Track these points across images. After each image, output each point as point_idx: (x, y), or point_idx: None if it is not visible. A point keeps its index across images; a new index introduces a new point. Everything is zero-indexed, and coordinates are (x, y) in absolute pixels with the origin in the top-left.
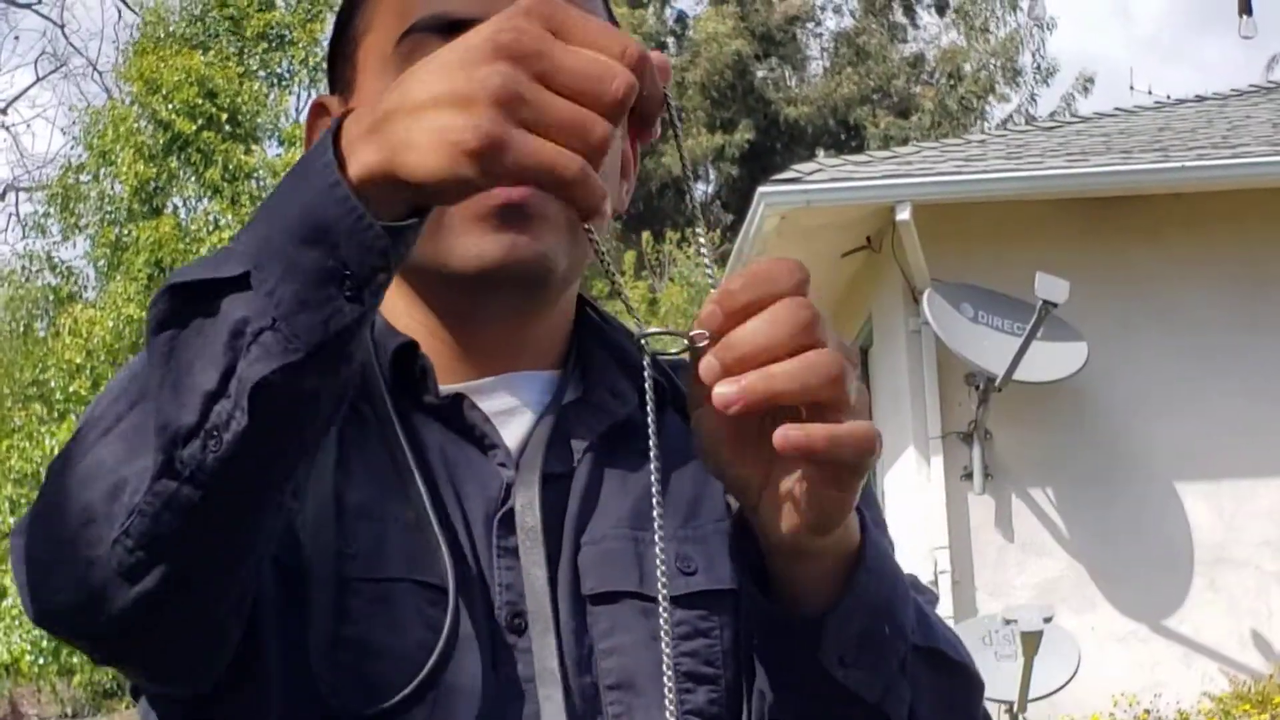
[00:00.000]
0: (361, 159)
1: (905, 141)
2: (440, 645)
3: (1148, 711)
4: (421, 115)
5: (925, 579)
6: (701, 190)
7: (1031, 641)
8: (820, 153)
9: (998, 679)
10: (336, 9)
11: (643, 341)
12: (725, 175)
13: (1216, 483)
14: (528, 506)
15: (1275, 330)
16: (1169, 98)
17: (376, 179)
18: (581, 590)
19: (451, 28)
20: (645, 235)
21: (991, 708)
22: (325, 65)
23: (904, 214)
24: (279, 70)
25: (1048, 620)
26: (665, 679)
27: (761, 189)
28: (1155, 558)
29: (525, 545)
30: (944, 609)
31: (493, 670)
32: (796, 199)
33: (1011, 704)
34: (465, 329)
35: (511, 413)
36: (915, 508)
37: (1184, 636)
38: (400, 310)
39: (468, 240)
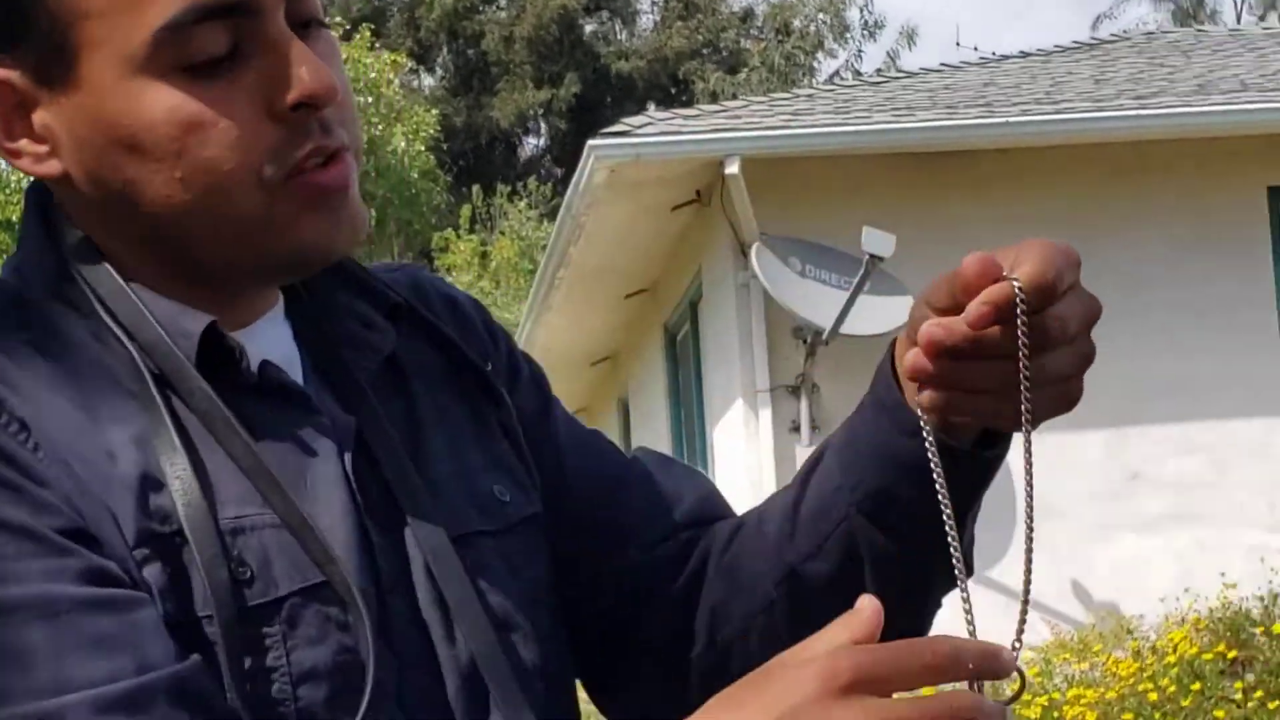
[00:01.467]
0: None
1: (734, 96)
2: (372, 653)
3: None
4: None
5: None
6: (532, 144)
7: None
8: (650, 106)
9: None
10: None
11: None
12: (554, 129)
13: (1038, 435)
14: (367, 468)
15: (1095, 285)
16: (994, 54)
17: None
18: (444, 539)
19: (230, 10)
20: (475, 189)
21: None
22: None
23: (733, 168)
24: None
25: None
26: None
27: (591, 142)
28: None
29: (380, 509)
30: None
31: (393, 647)
32: (626, 152)
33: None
34: (226, 289)
35: (290, 364)
36: (743, 459)
37: (1005, 587)
38: (120, 257)
39: (279, 226)
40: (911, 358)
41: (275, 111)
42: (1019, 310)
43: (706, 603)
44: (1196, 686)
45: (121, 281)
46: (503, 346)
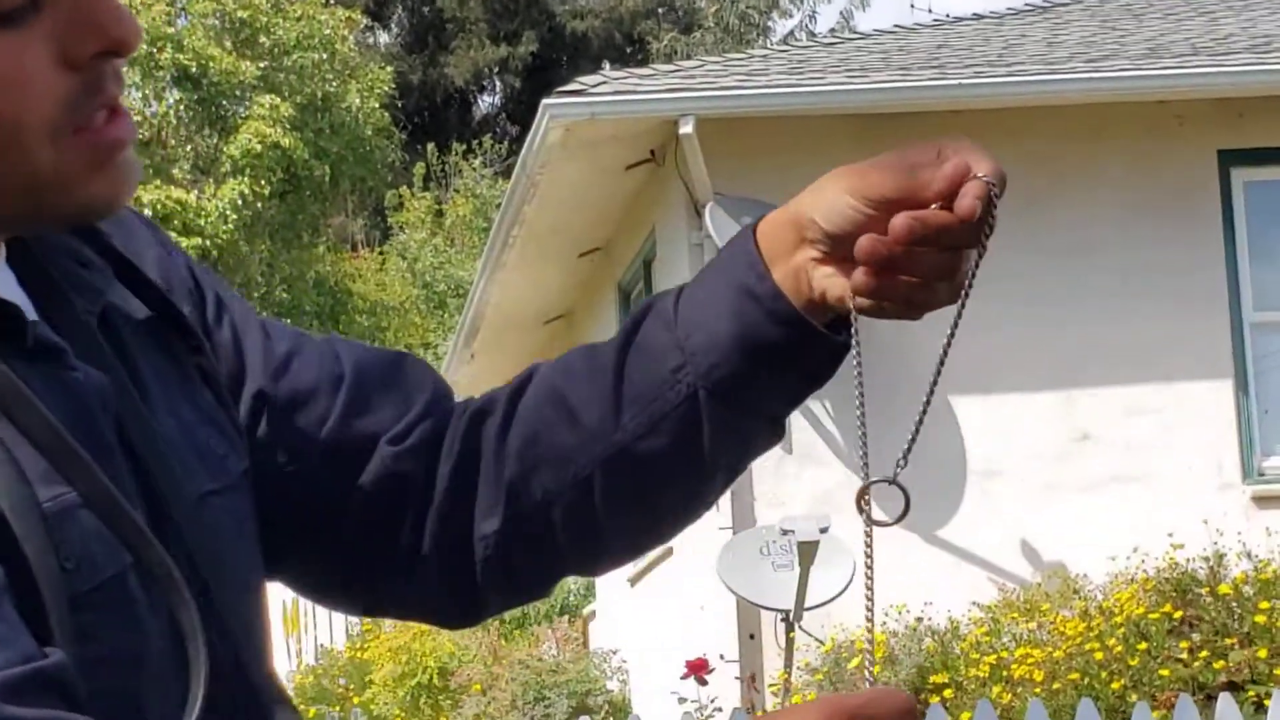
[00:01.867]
0: None
1: (689, 56)
2: (201, 638)
3: (919, 619)
4: None
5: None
6: (487, 101)
7: (808, 551)
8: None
9: (775, 588)
10: None
11: None
12: (509, 88)
13: (988, 396)
14: (127, 424)
15: (1046, 247)
16: (948, 16)
17: None
18: (195, 503)
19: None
20: (430, 147)
21: (768, 617)
22: None
23: (687, 127)
24: None
25: (824, 531)
26: None
27: (546, 101)
28: (929, 470)
29: (130, 470)
30: (723, 519)
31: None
32: (581, 111)
33: (788, 613)
34: None
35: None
36: None
37: (956, 547)
38: None
39: (77, 182)
40: (870, 242)
41: (72, 59)
42: (994, 206)
43: (491, 484)
44: (1143, 646)
45: None
46: (209, 293)
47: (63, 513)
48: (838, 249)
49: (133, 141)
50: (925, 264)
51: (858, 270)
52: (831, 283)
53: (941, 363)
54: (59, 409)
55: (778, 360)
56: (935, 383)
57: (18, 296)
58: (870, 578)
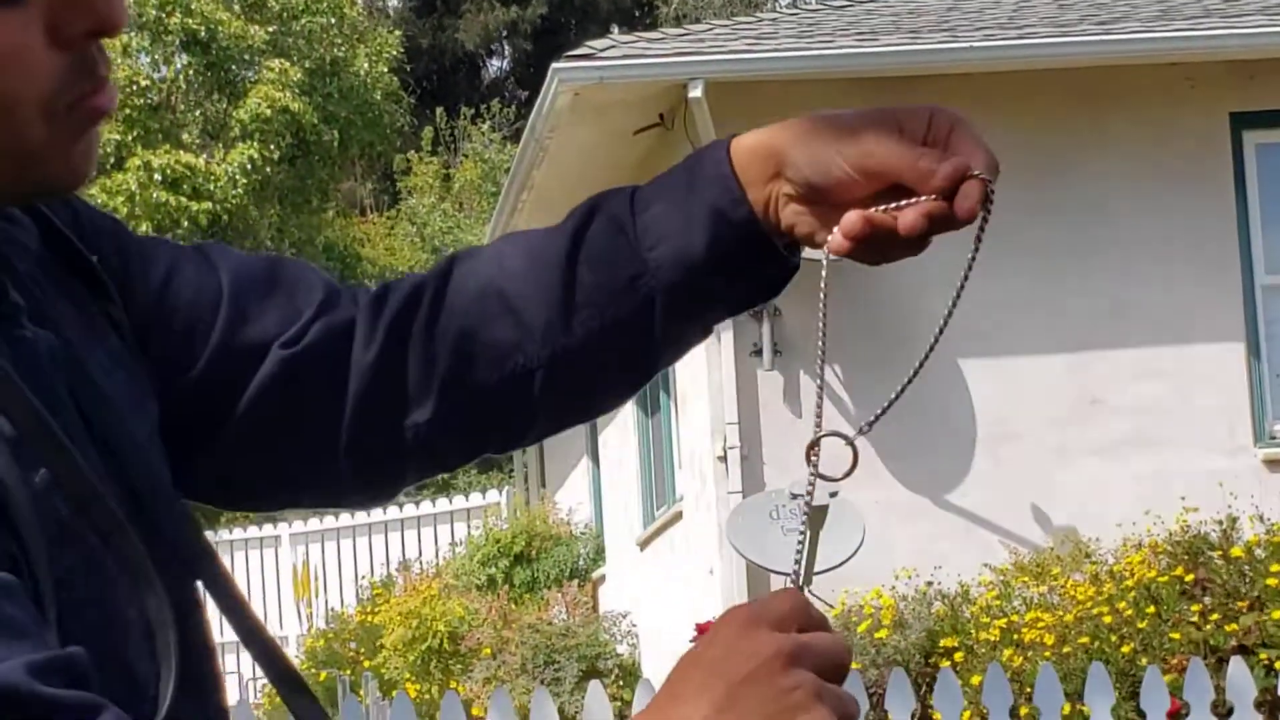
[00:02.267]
0: None
1: (698, 20)
2: (172, 622)
3: (929, 583)
4: None
5: (715, 454)
6: (496, 66)
7: (818, 516)
8: (614, 29)
9: (784, 552)
10: None
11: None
12: (519, 51)
13: (999, 360)
14: (74, 382)
15: (1058, 211)
16: None
17: None
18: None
19: None
20: (439, 111)
21: (777, 580)
22: None
23: (696, 91)
24: None
25: (833, 495)
26: None
27: (555, 65)
28: (939, 434)
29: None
30: (732, 484)
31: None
32: (590, 75)
33: (793, 576)
34: None
35: None
36: (705, 383)
37: (966, 510)
38: None
39: (62, 157)
40: (863, 223)
41: (64, 38)
42: (991, 203)
43: (420, 375)
44: (1153, 610)
45: None
46: (108, 237)
47: (42, 495)
48: (812, 194)
49: (111, 114)
50: (902, 244)
51: (838, 232)
52: (800, 219)
53: (932, 347)
54: (19, 372)
55: (737, 277)
56: (920, 365)
57: None
58: (806, 528)
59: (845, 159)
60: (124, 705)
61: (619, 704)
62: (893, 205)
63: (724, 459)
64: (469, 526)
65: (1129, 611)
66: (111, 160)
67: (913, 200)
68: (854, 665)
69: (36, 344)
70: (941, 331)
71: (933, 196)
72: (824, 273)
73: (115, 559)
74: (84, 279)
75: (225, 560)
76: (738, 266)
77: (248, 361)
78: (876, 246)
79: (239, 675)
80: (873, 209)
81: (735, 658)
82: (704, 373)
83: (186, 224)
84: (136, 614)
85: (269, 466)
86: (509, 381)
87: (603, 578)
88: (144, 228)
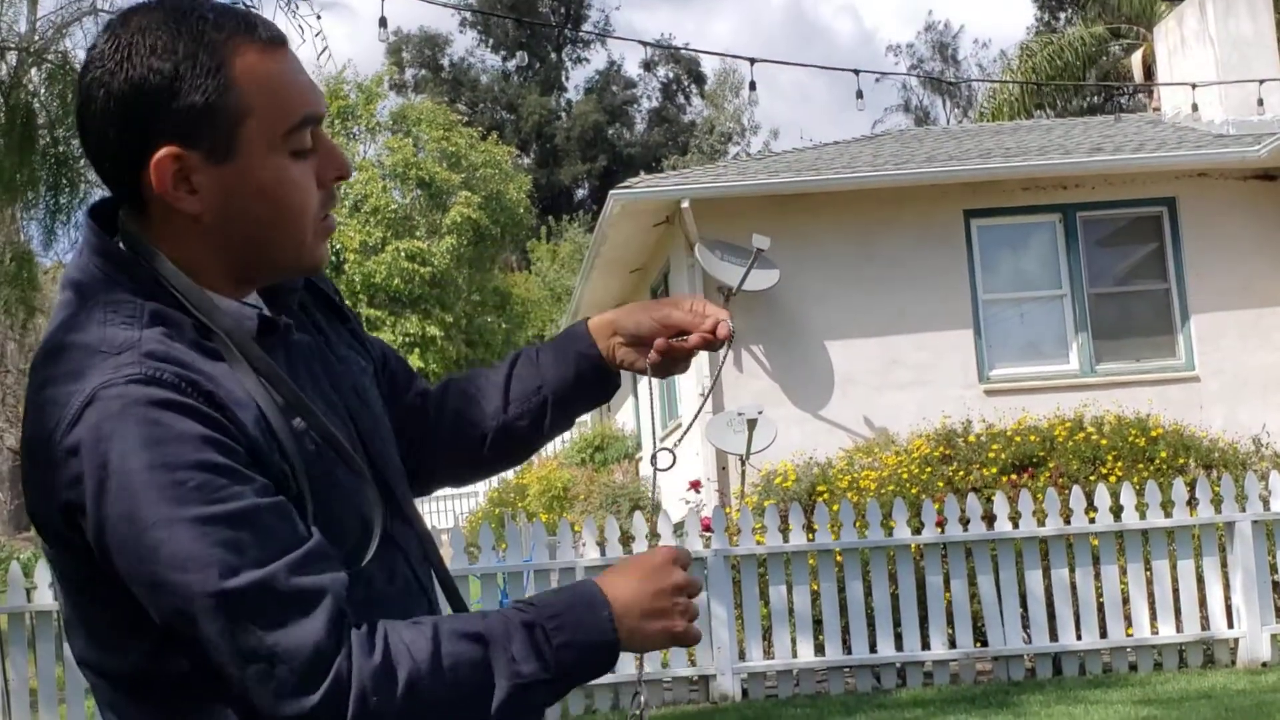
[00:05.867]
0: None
1: (686, 166)
2: (378, 513)
3: (810, 459)
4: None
5: (698, 392)
6: (580, 192)
7: (752, 423)
8: (641, 172)
9: (735, 442)
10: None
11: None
12: (592, 186)
13: (847, 340)
14: (327, 366)
15: (871, 260)
16: (820, 143)
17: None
18: (379, 418)
19: (315, 120)
20: (550, 218)
21: (732, 459)
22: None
23: (686, 204)
24: None
25: (760, 413)
26: None
27: (612, 192)
28: (814, 380)
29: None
30: (710, 407)
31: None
32: (630, 196)
33: (741, 456)
34: (253, 283)
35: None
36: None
37: (829, 420)
38: (203, 267)
39: (317, 251)
40: (666, 346)
41: (321, 181)
42: (730, 340)
43: (443, 429)
44: (928, 470)
45: (200, 289)
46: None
47: (303, 433)
48: (633, 340)
49: (334, 231)
50: (684, 358)
51: (652, 352)
52: (626, 353)
53: (708, 393)
54: (291, 363)
55: (589, 389)
56: (698, 412)
57: (259, 303)
58: (656, 501)
59: (653, 319)
60: (352, 552)
61: (650, 526)
62: (681, 338)
63: (703, 394)
64: (571, 432)
65: (915, 470)
66: (378, 246)
67: (688, 336)
68: (770, 501)
69: (302, 344)
70: (709, 392)
71: (704, 332)
72: (649, 379)
73: (346, 470)
74: (330, 308)
75: None
76: (588, 384)
77: (400, 397)
78: (668, 365)
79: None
80: (669, 340)
81: (659, 571)
82: (694, 362)
83: (417, 280)
84: (360, 500)
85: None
86: (474, 439)
87: (640, 457)
88: (395, 281)
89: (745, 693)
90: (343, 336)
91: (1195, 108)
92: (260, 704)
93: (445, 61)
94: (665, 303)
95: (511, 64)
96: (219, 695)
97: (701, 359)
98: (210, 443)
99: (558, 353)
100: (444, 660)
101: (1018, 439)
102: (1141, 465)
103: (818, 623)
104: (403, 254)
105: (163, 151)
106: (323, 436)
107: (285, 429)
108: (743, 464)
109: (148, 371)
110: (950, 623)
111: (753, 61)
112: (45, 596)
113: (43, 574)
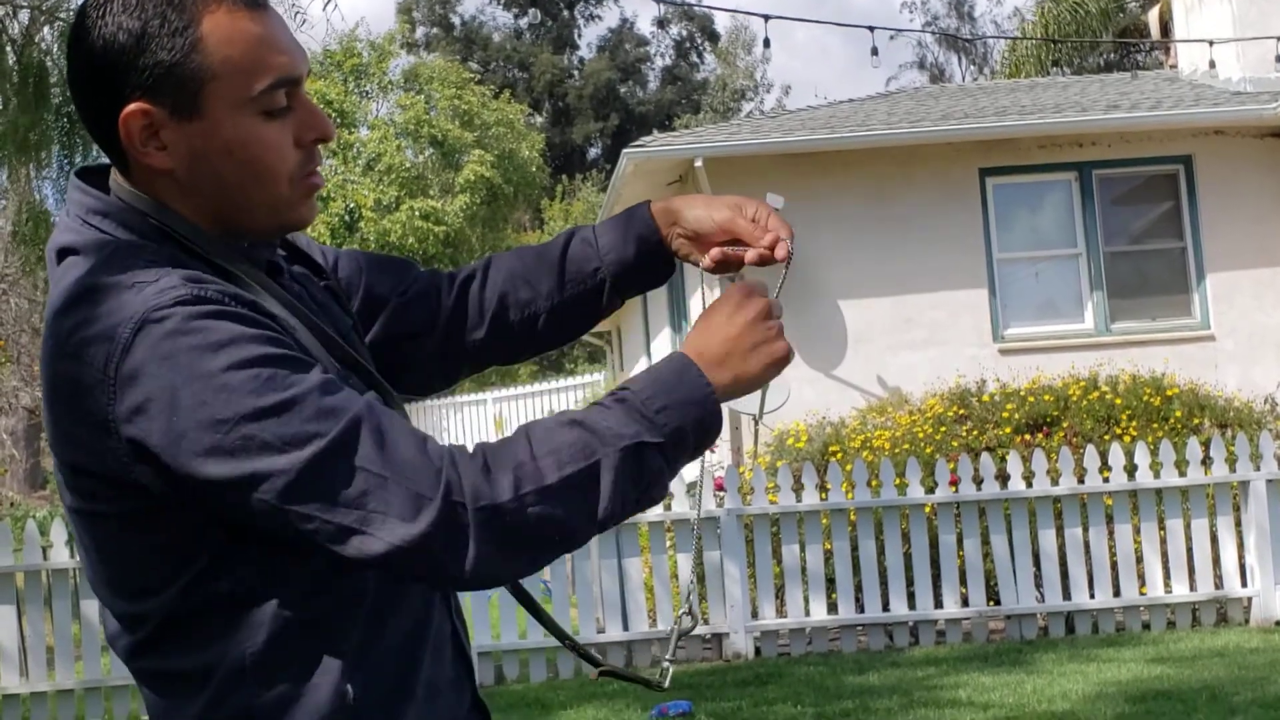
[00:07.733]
0: (724, 385)
1: (699, 124)
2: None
3: (823, 418)
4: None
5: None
6: (593, 151)
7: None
8: (654, 130)
9: (748, 402)
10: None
11: None
12: (605, 144)
13: (862, 300)
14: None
15: (889, 219)
16: (837, 101)
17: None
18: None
19: (291, 82)
20: (564, 177)
21: (745, 418)
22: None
23: (699, 163)
24: None
25: None
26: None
27: (625, 150)
28: (828, 339)
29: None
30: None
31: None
32: (643, 154)
33: (754, 415)
34: (238, 237)
35: None
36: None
37: (842, 379)
38: (193, 219)
39: (300, 208)
40: (722, 255)
41: (300, 141)
42: (792, 255)
43: (476, 314)
44: (942, 429)
45: (206, 233)
46: (329, 257)
47: (323, 353)
48: (693, 236)
49: (321, 188)
50: (738, 267)
51: (707, 259)
52: (681, 244)
53: (777, 290)
54: (310, 303)
55: (646, 272)
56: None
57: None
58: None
59: (715, 222)
60: None
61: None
62: (737, 248)
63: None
64: (586, 391)
65: (929, 429)
66: (393, 205)
67: (746, 248)
68: (782, 462)
69: (292, 291)
70: (780, 287)
71: (763, 248)
72: (701, 274)
73: (360, 380)
74: (309, 265)
75: (454, 415)
76: (647, 267)
77: (376, 306)
78: (722, 268)
79: None
80: (724, 248)
81: (740, 309)
82: (701, 305)
83: (431, 239)
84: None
85: (405, 365)
86: (528, 319)
87: None
88: (410, 240)
89: (758, 651)
90: (322, 291)
91: (1212, 64)
92: (370, 552)
93: (457, 20)
94: (730, 203)
95: (523, 22)
96: (256, 605)
97: None
98: (269, 340)
99: (617, 233)
100: (545, 447)
101: (1032, 398)
102: (1156, 424)
103: (830, 581)
104: (417, 213)
105: (131, 106)
106: (345, 362)
107: (318, 347)
108: (756, 423)
109: (193, 291)
110: (963, 581)
111: (767, 18)
112: (61, 554)
113: (59, 532)
